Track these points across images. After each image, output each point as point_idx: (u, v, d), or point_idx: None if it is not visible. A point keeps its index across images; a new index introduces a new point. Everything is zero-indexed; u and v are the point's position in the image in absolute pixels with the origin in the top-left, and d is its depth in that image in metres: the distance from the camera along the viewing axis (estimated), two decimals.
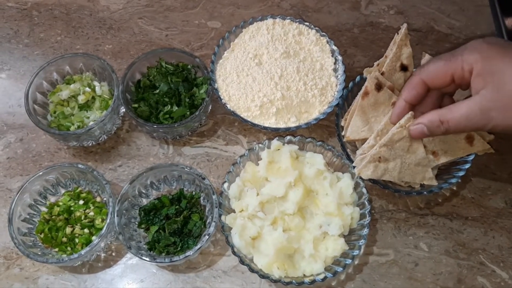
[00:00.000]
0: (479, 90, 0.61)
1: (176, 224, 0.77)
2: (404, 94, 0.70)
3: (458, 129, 0.64)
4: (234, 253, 0.72)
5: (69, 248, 0.77)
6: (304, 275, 0.73)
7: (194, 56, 0.88)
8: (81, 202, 0.80)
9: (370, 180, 0.78)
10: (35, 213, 0.79)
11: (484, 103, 0.61)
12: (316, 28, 0.92)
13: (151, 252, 0.76)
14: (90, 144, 0.87)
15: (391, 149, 0.72)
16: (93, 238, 0.77)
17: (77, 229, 0.77)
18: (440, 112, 0.65)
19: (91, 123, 0.85)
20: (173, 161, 0.87)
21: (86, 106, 0.87)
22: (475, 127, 0.64)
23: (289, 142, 0.81)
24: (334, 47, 0.90)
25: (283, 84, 0.84)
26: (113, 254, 0.79)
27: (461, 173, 0.78)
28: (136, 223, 0.79)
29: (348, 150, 0.81)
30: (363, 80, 0.84)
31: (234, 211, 0.77)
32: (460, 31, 1.01)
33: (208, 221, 0.78)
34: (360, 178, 0.77)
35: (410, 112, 0.71)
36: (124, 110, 0.87)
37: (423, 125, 0.67)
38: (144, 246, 0.77)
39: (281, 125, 0.84)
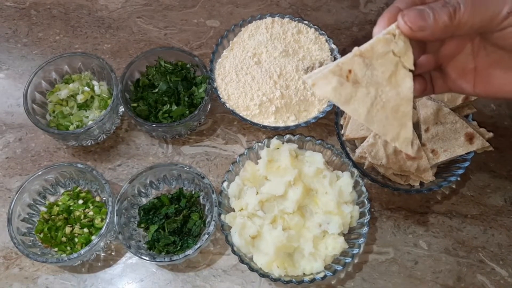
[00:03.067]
0: None
1: (176, 223, 0.77)
2: (394, 3, 0.51)
3: (471, 3, 0.46)
4: (233, 252, 0.72)
5: (68, 248, 0.76)
6: (304, 273, 0.73)
7: (193, 55, 0.88)
8: (80, 201, 0.80)
9: (369, 178, 0.78)
10: (35, 212, 0.79)
11: None
12: (315, 26, 0.92)
13: (151, 251, 0.76)
14: (89, 144, 0.87)
15: (367, 66, 0.49)
16: (93, 237, 0.77)
17: (77, 229, 0.77)
18: None
19: (90, 122, 0.85)
20: (173, 160, 0.87)
21: (85, 106, 0.87)
22: (494, 2, 0.46)
23: (289, 140, 0.81)
24: (333, 46, 0.90)
25: (282, 83, 0.84)
26: (113, 253, 0.79)
27: (461, 171, 0.78)
28: (136, 222, 0.79)
29: (348, 148, 0.81)
30: None
31: (233, 210, 0.77)
32: None
33: (207, 220, 0.78)
34: (360, 176, 0.77)
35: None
36: (123, 109, 0.87)
37: (423, 7, 0.47)
38: (143, 245, 0.77)
39: (280, 124, 0.84)
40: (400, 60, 0.49)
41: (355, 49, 0.49)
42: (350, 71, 0.48)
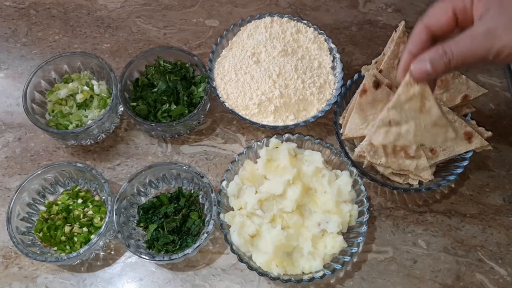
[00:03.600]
0: (482, 14, 0.56)
1: (175, 222, 0.77)
2: (408, 46, 0.63)
3: (462, 55, 0.56)
4: (233, 251, 0.72)
5: (68, 247, 0.77)
6: (303, 272, 0.73)
7: (192, 55, 0.88)
8: (79, 201, 0.80)
9: (368, 177, 0.78)
10: (34, 212, 0.79)
11: (489, 23, 0.55)
12: (314, 26, 0.92)
13: (150, 250, 0.76)
14: (89, 143, 0.87)
15: (401, 111, 0.66)
16: (92, 236, 0.77)
17: (76, 228, 0.77)
18: (443, 43, 0.58)
19: (90, 122, 0.85)
20: (172, 159, 0.87)
21: (84, 105, 0.87)
22: (480, 51, 0.56)
23: (288, 140, 0.81)
24: (332, 45, 0.91)
25: (281, 82, 0.84)
26: (112, 252, 0.79)
27: (459, 170, 0.78)
28: (135, 221, 0.79)
29: (347, 147, 0.81)
30: (361, 78, 0.84)
31: (232, 209, 0.77)
32: None
33: (207, 219, 0.78)
34: (359, 175, 0.77)
35: None
36: (122, 108, 0.87)
37: (425, 60, 0.59)
38: (143, 244, 0.77)
39: (279, 123, 0.84)
40: (421, 96, 0.64)
41: (389, 106, 0.65)
42: (390, 121, 0.65)
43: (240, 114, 0.84)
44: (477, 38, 0.55)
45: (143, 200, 0.82)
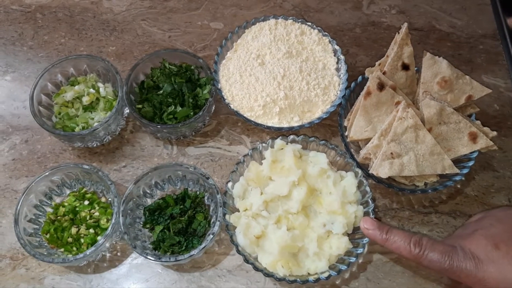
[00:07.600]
0: None
1: (181, 223, 0.77)
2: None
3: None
4: (238, 252, 0.73)
5: (74, 248, 0.77)
6: (308, 273, 0.73)
7: (197, 57, 0.89)
8: (86, 202, 0.81)
9: (374, 179, 0.78)
10: (41, 213, 0.80)
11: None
12: (318, 28, 0.93)
13: (156, 251, 0.77)
14: (95, 145, 0.88)
15: (399, 143, 0.74)
16: (98, 238, 0.77)
17: (83, 229, 0.78)
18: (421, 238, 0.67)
19: (96, 124, 0.85)
20: (177, 161, 0.88)
21: (90, 107, 0.88)
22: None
23: (293, 141, 0.82)
24: (336, 47, 0.91)
25: (286, 84, 0.85)
26: (118, 254, 0.80)
27: (465, 170, 0.78)
28: (141, 223, 0.80)
29: (352, 150, 0.81)
30: (365, 79, 0.84)
31: (238, 210, 0.78)
32: (462, 30, 1.01)
33: (212, 221, 0.78)
34: (364, 176, 0.77)
35: (403, 102, 0.76)
36: (128, 111, 0.88)
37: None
38: (149, 245, 0.77)
39: (284, 124, 0.84)
40: (415, 127, 0.74)
41: (388, 139, 0.74)
42: (391, 153, 0.74)
43: (245, 115, 0.84)
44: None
45: (149, 201, 0.82)
